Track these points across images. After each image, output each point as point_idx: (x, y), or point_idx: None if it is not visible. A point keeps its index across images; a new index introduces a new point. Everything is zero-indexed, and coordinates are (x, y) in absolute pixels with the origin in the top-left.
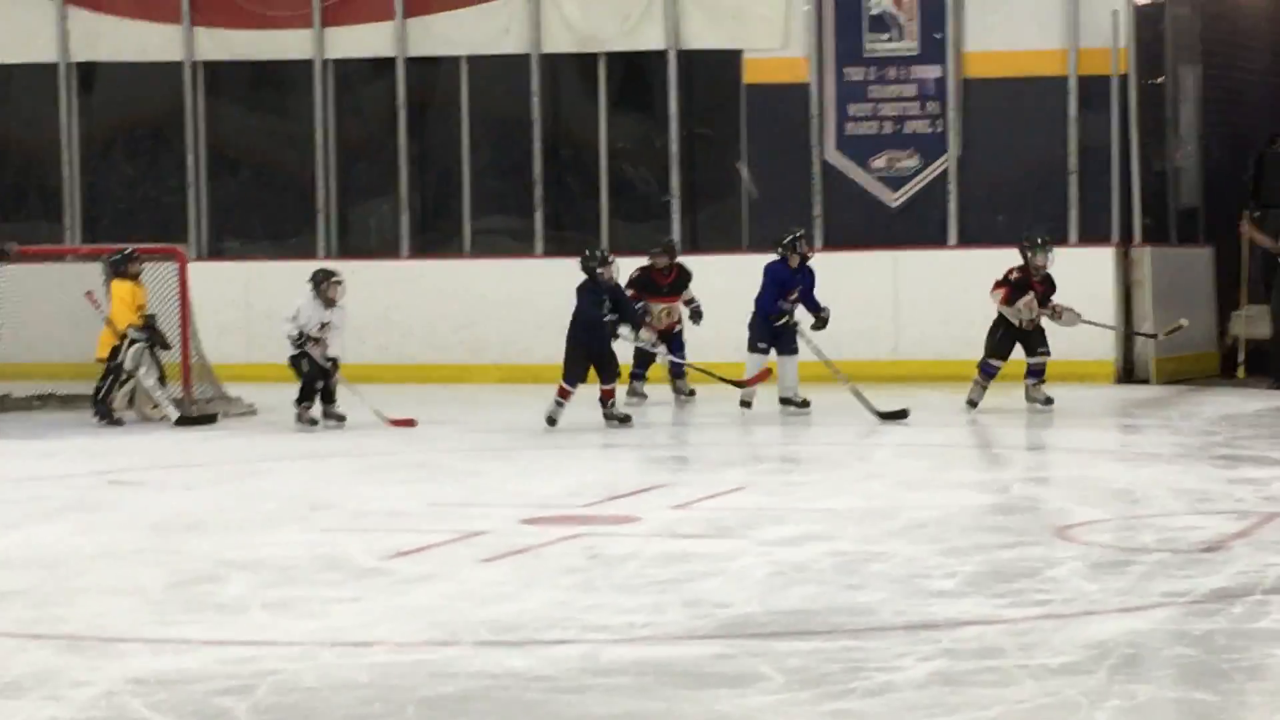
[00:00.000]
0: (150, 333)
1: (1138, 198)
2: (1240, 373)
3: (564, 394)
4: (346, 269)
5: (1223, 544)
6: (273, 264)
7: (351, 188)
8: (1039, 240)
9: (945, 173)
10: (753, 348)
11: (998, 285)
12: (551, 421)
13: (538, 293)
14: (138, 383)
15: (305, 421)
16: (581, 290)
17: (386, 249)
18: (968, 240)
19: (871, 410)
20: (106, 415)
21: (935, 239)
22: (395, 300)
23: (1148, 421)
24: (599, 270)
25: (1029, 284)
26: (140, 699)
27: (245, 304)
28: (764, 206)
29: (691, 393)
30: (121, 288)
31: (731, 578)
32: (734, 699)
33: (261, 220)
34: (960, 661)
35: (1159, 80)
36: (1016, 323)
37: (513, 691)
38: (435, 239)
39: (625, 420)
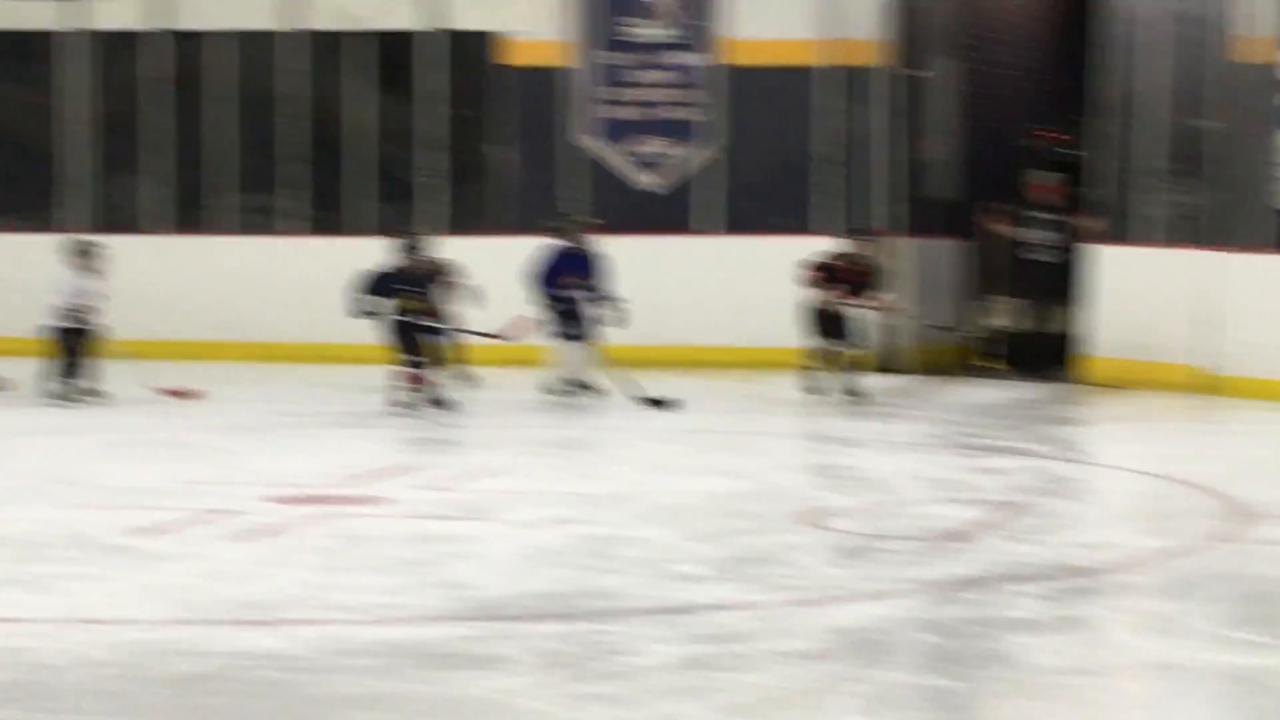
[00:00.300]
0: None
1: (895, 188)
2: (999, 364)
3: (415, 380)
4: (104, 244)
5: (968, 532)
6: (21, 237)
7: (110, 162)
8: (861, 229)
9: (709, 160)
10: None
11: (810, 269)
12: (410, 407)
13: (295, 270)
14: None
15: (60, 396)
16: (389, 274)
17: (145, 224)
18: (732, 228)
19: (641, 398)
20: None
21: (697, 226)
22: (152, 276)
23: (897, 410)
24: (413, 251)
25: (843, 273)
26: None
27: None
28: (523, 190)
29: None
30: None
31: (482, 560)
32: (482, 681)
33: (11, 193)
34: (707, 646)
35: (920, 73)
36: (826, 309)
37: (260, 671)
38: (194, 215)
39: (444, 404)
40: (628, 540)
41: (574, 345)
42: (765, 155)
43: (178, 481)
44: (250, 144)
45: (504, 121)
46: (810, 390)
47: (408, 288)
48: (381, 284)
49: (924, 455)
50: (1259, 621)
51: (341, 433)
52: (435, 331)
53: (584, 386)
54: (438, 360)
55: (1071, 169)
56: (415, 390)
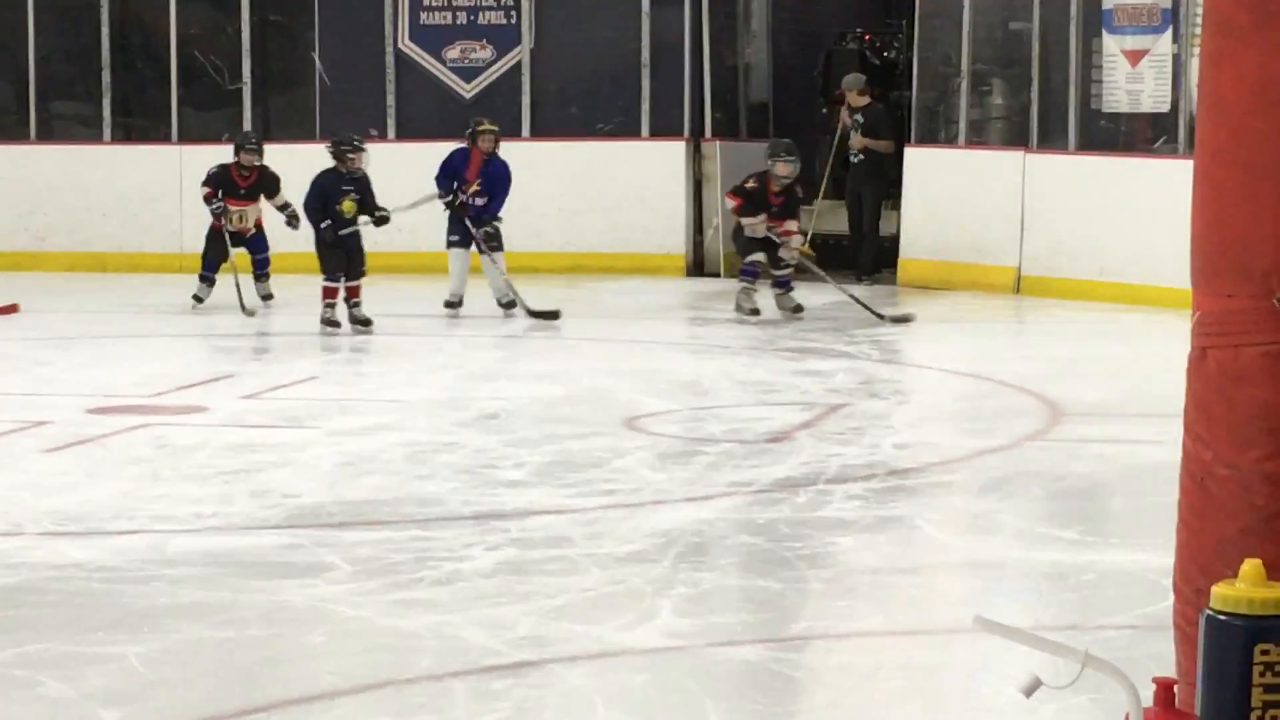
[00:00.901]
0: None
1: (709, 92)
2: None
3: (331, 293)
4: None
5: (787, 435)
6: None
7: None
8: (780, 150)
9: (519, 64)
10: (449, 243)
11: (732, 193)
12: (335, 324)
13: (105, 179)
14: None
15: None
16: (323, 179)
17: None
18: (540, 132)
19: (527, 310)
20: None
21: (508, 131)
22: None
23: (716, 314)
24: (350, 156)
25: (765, 196)
26: None
27: None
28: (338, 96)
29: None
30: None
31: (300, 468)
32: (302, 589)
33: None
34: (528, 550)
35: None
36: (753, 233)
37: (77, 582)
38: (2, 124)
39: (369, 323)
40: (447, 446)
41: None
42: (577, 59)
43: None
44: (58, 51)
45: (322, 27)
46: (752, 311)
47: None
48: (324, 193)
49: (740, 358)
50: (1069, 517)
51: (158, 343)
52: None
53: (510, 304)
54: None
55: (886, 72)
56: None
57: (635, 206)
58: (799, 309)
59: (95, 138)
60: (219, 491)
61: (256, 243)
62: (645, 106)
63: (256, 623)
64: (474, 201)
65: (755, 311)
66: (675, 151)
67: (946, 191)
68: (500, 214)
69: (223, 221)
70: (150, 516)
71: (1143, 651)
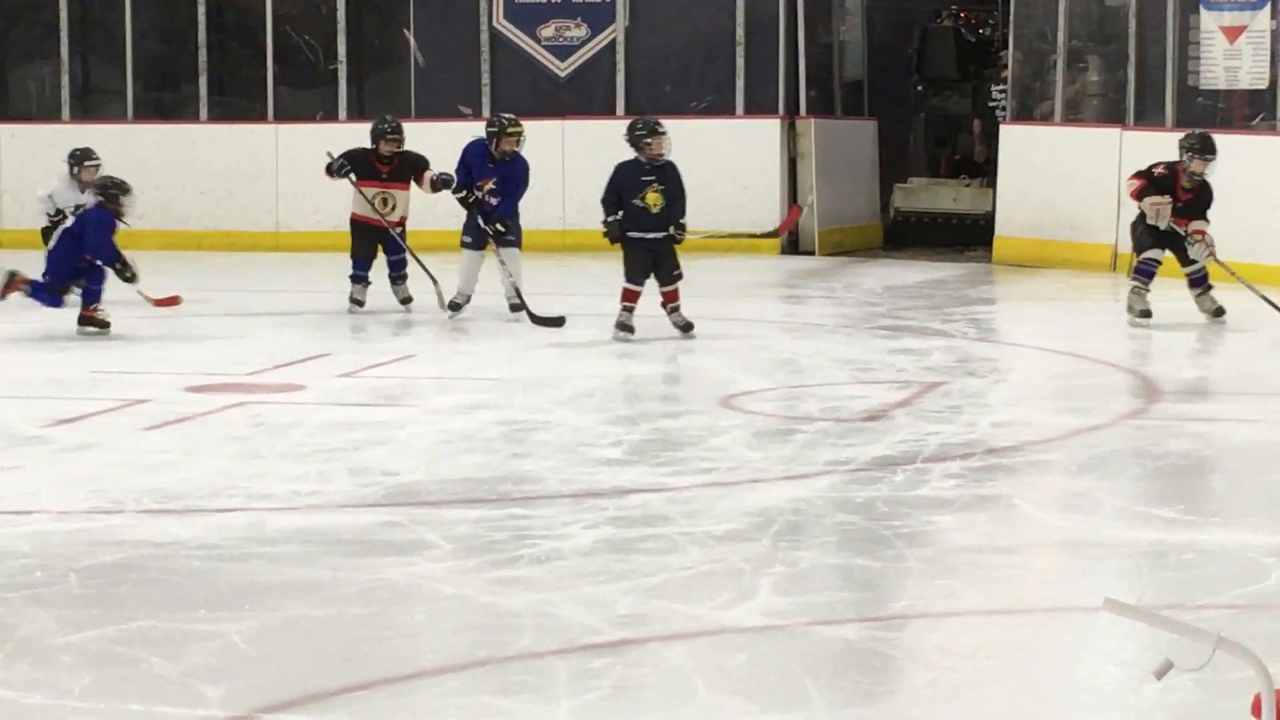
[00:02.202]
0: None
1: (803, 70)
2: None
3: (632, 297)
4: (7, 133)
5: (884, 413)
6: None
7: (11, 50)
8: (1197, 145)
9: (613, 42)
10: (463, 243)
11: (1135, 175)
12: (630, 329)
13: (201, 159)
14: None
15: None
16: (624, 170)
17: (47, 113)
18: (635, 110)
19: (531, 316)
20: None
21: (602, 109)
22: (57, 165)
23: (811, 293)
24: (648, 142)
25: (1173, 187)
26: None
27: None
28: (432, 75)
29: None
30: None
31: (398, 446)
32: (401, 566)
33: None
34: (626, 529)
35: None
36: (1154, 220)
37: (177, 560)
38: (98, 103)
39: (690, 328)
40: (545, 425)
41: (507, 255)
42: (670, 37)
43: (91, 371)
44: (155, 31)
45: (416, 6)
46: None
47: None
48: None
49: (836, 336)
50: (1168, 496)
51: (254, 322)
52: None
53: (516, 307)
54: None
55: (982, 49)
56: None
57: (729, 184)
58: (1220, 312)
59: (192, 117)
60: (317, 469)
61: (393, 243)
62: (740, 84)
63: (357, 600)
64: (488, 200)
65: (1147, 314)
66: (770, 129)
67: (1042, 169)
68: (514, 213)
69: (370, 206)
70: (249, 494)
71: (1246, 630)
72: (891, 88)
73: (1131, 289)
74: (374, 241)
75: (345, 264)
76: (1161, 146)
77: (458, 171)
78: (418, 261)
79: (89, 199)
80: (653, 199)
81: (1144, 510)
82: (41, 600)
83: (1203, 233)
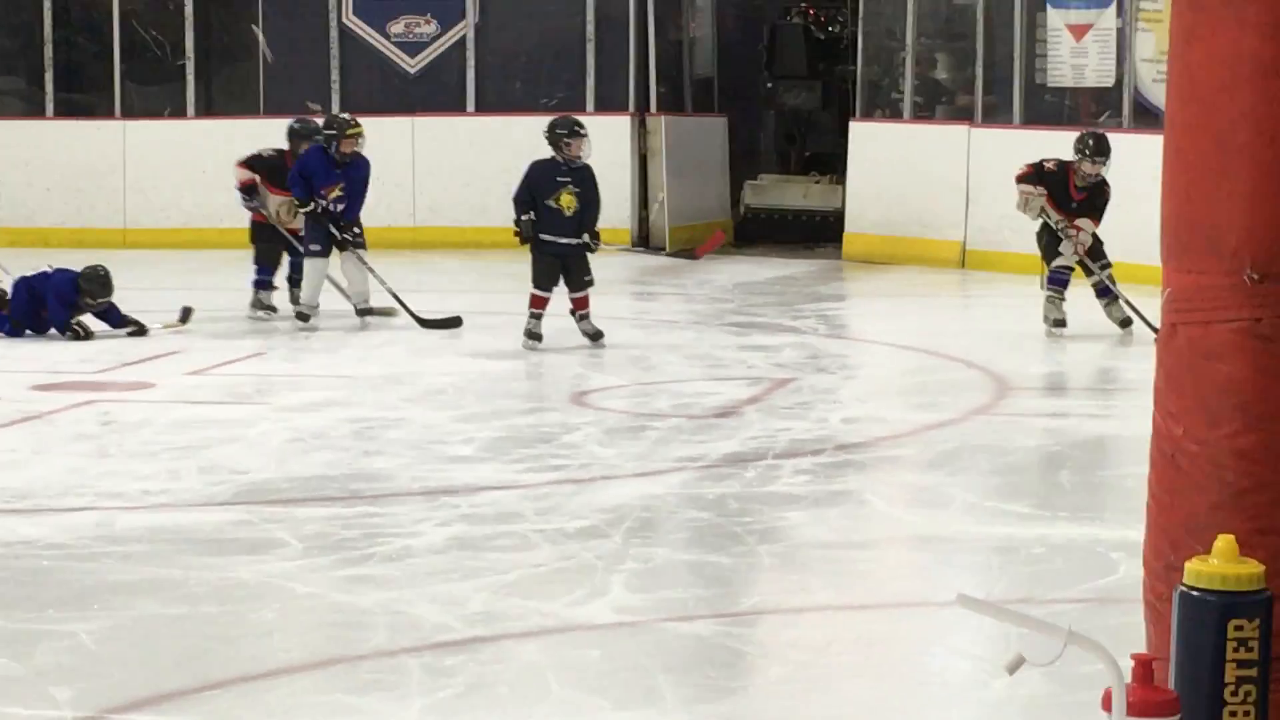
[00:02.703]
0: None
1: (653, 67)
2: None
3: (540, 303)
4: None
5: (735, 409)
6: None
7: None
8: (1089, 146)
9: (463, 39)
10: (308, 250)
11: (1027, 164)
12: (538, 338)
13: (47, 155)
14: None
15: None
16: (539, 169)
17: None
18: (485, 107)
19: (417, 319)
20: None
21: (453, 106)
22: None
23: (662, 289)
24: (567, 143)
25: (1065, 185)
26: None
27: None
28: (281, 71)
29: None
30: None
31: (249, 444)
32: (253, 565)
33: None
34: (478, 526)
35: None
36: (1021, 208)
37: (25, 560)
38: None
39: (599, 336)
40: (397, 422)
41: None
42: (521, 33)
43: None
44: (4, 27)
45: (264, 1)
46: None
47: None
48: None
49: (687, 333)
50: (1018, 491)
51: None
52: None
53: (365, 311)
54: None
55: (830, 46)
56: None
57: None
58: (1127, 322)
59: (38, 113)
60: (167, 468)
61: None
62: (590, 81)
63: (208, 599)
64: (335, 207)
65: (1061, 323)
66: (620, 126)
67: (891, 166)
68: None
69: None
70: (98, 493)
71: (1095, 624)
72: (742, 84)
73: (1046, 298)
74: (281, 248)
75: (194, 262)
76: (1010, 143)
77: (293, 183)
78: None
79: None
80: (567, 201)
81: (994, 505)
82: None
83: (1078, 228)
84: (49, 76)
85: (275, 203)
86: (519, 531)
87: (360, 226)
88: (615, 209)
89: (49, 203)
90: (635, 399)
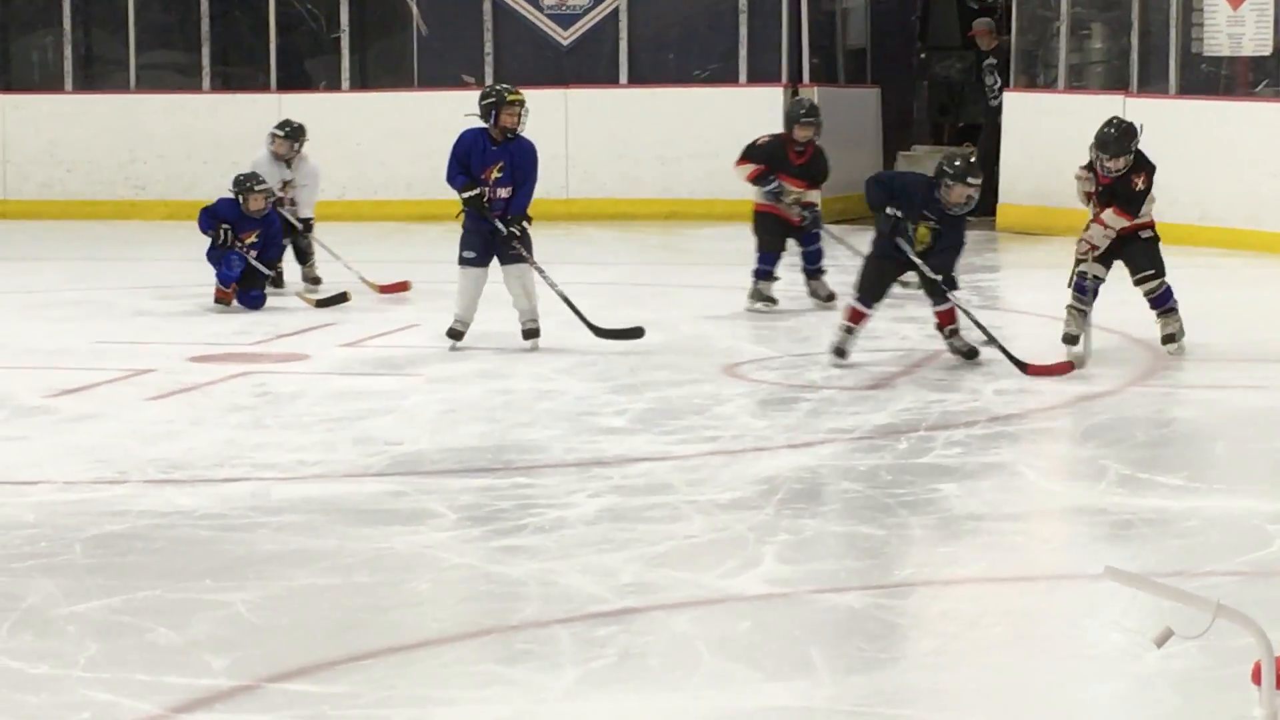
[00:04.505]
0: None
1: (806, 38)
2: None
3: (858, 317)
4: (9, 103)
5: (888, 381)
6: None
7: (12, 20)
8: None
9: (616, 10)
10: (460, 259)
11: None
12: (842, 354)
13: (203, 129)
14: None
15: (310, 285)
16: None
17: (49, 83)
18: (638, 79)
19: (593, 328)
20: None
21: (606, 78)
22: (58, 136)
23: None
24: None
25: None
26: None
27: None
28: (435, 44)
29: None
30: None
31: (403, 415)
32: (406, 535)
33: None
34: (630, 498)
35: None
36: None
37: (181, 530)
38: (100, 73)
39: (973, 353)
40: (549, 394)
41: (514, 272)
42: (674, 4)
43: (96, 342)
44: (150, 0)
45: None
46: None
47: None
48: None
49: (843, 305)
50: (1172, 463)
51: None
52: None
53: (531, 332)
54: None
55: (987, 16)
56: None
57: (732, 152)
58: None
59: (195, 86)
60: (321, 439)
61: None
62: (743, 52)
63: (361, 570)
64: (497, 194)
65: (1071, 340)
66: (772, 97)
67: (1046, 136)
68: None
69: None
70: (253, 464)
71: (1248, 598)
72: (894, 55)
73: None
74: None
75: (346, 233)
76: (1165, 113)
77: (451, 171)
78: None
79: (296, 174)
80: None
81: (1148, 477)
82: (47, 570)
83: (1101, 222)
84: (206, 50)
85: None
86: (671, 503)
87: (526, 223)
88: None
89: (206, 175)
90: (787, 370)
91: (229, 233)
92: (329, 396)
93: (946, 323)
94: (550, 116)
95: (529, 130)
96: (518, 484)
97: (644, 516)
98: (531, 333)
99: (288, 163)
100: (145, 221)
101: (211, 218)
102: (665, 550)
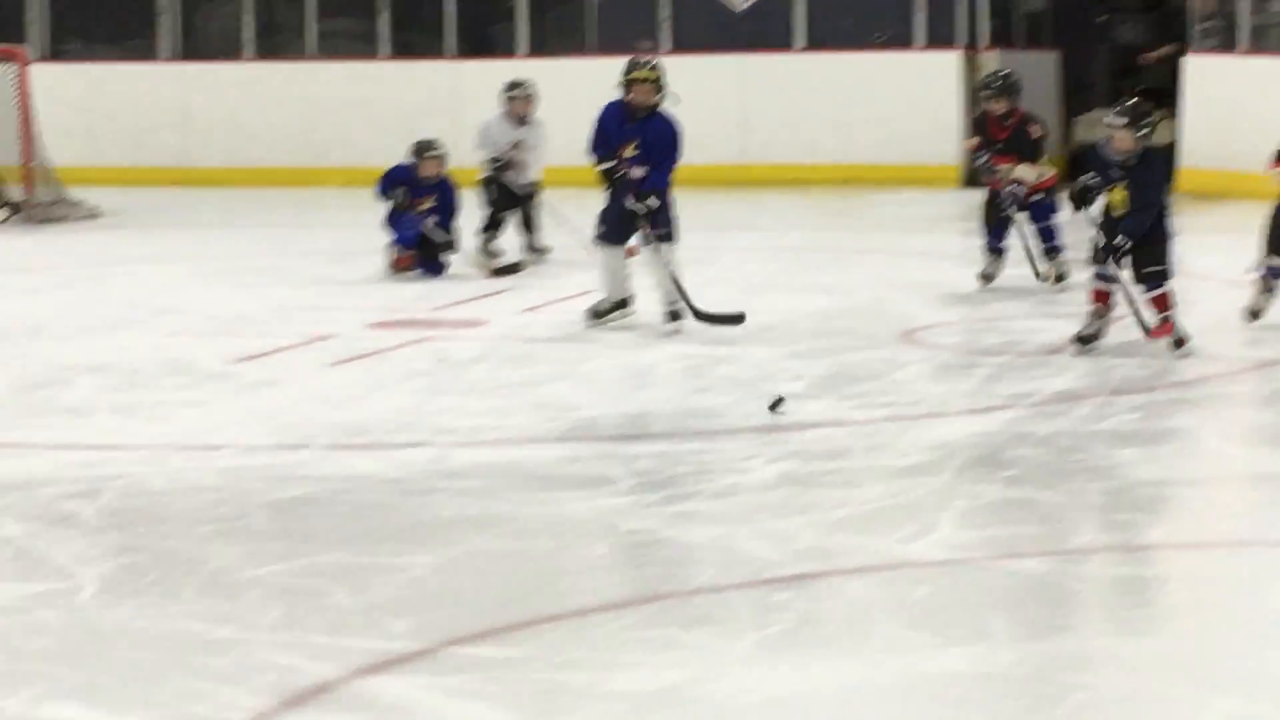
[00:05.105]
0: None
1: (984, 0)
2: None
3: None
4: (191, 72)
5: (1065, 346)
6: (114, 66)
7: None
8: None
9: None
10: (597, 236)
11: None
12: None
13: (381, 95)
14: None
15: (486, 254)
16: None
17: (229, 51)
18: (814, 44)
19: (695, 312)
20: None
21: (781, 42)
22: (239, 104)
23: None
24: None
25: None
26: None
27: (87, 107)
28: (611, 9)
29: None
30: None
31: (580, 381)
32: (583, 501)
33: (102, 21)
34: (808, 463)
35: None
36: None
37: (361, 494)
38: (279, 41)
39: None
40: (727, 359)
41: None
42: None
43: (275, 307)
44: None
45: None
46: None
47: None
48: None
49: (1017, 270)
50: None
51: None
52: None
53: (674, 316)
54: None
55: None
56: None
57: (909, 117)
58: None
59: (371, 53)
60: (500, 404)
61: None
62: (919, 16)
63: (540, 534)
64: (631, 172)
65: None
66: (949, 61)
67: (1228, 100)
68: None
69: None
70: (432, 429)
71: None
72: (1074, 18)
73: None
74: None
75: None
76: None
77: (591, 142)
78: None
79: (527, 135)
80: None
81: None
82: (229, 534)
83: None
84: (383, 17)
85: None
86: (848, 468)
87: (664, 208)
88: (943, 145)
89: (383, 142)
90: (965, 336)
91: (406, 195)
92: (507, 362)
93: (1159, 310)
94: (726, 82)
95: (701, 97)
96: (695, 449)
97: (821, 482)
98: (673, 315)
99: (522, 122)
100: (324, 188)
101: (390, 182)
102: (842, 516)
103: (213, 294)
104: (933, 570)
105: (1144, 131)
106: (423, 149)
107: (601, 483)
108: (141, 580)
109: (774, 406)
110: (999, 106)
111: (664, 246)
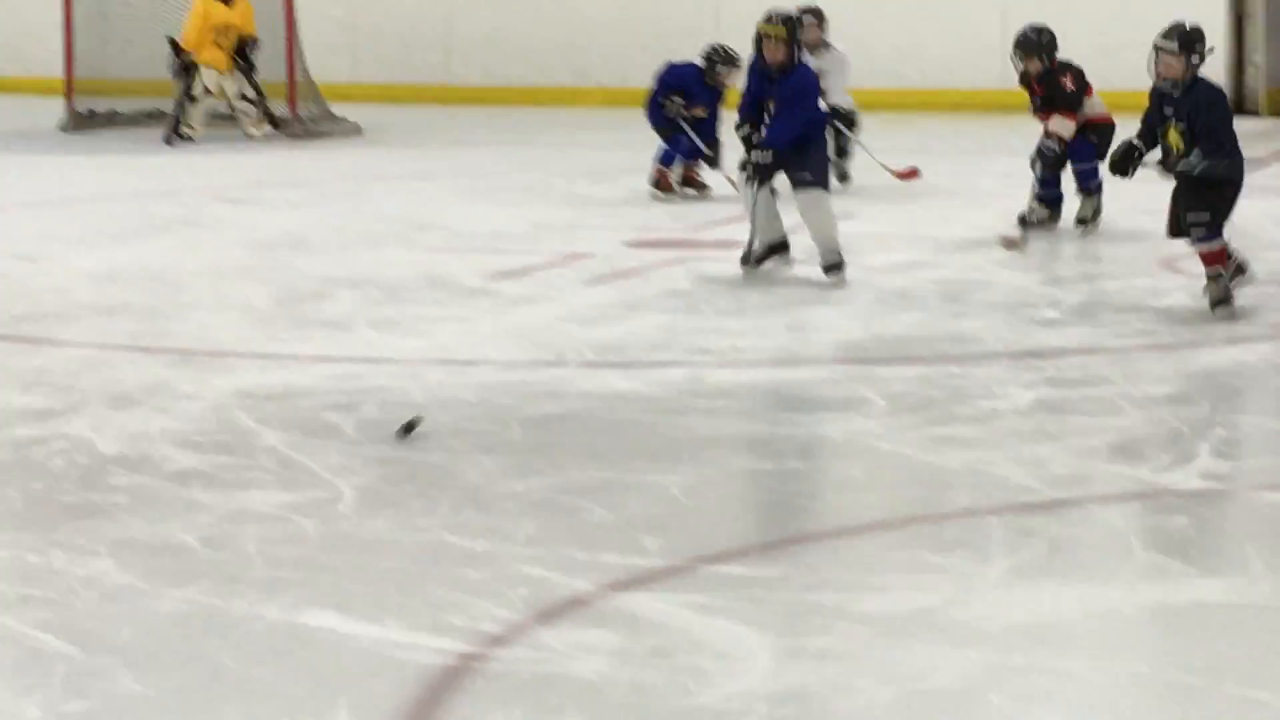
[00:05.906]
0: (238, 58)
1: None
2: None
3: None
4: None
5: None
6: None
7: None
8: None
9: None
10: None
11: None
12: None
13: (644, 15)
14: (237, 105)
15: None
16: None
17: None
18: None
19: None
20: (173, 138)
21: None
22: (501, 22)
23: (1257, 153)
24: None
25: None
26: (248, 413)
27: (350, 24)
28: None
29: None
30: (200, 4)
31: (837, 304)
32: (838, 422)
33: None
34: (1064, 390)
35: None
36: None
37: (617, 412)
38: None
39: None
40: (984, 285)
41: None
42: None
43: (534, 225)
44: None
45: None
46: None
47: None
48: None
49: (1268, 203)
50: None
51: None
52: None
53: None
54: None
55: None
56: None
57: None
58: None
59: None
60: (755, 325)
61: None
62: None
63: (794, 455)
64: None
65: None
66: None
67: None
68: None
69: None
70: (688, 349)
71: None
72: None
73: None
74: None
75: None
76: None
77: (740, 107)
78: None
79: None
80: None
81: None
82: (486, 449)
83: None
84: None
85: None
86: (1105, 396)
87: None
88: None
89: (645, 62)
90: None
91: (680, 104)
92: (764, 283)
93: (1207, 264)
94: (984, 4)
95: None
96: (951, 373)
97: (1078, 409)
98: (832, 267)
99: (811, 49)
100: (584, 108)
101: (665, 88)
102: (1098, 443)
103: (472, 211)
104: (1190, 500)
105: (1195, 58)
106: (726, 54)
107: (857, 405)
108: (398, 492)
109: (406, 430)
110: (1032, 66)
111: (809, 192)
